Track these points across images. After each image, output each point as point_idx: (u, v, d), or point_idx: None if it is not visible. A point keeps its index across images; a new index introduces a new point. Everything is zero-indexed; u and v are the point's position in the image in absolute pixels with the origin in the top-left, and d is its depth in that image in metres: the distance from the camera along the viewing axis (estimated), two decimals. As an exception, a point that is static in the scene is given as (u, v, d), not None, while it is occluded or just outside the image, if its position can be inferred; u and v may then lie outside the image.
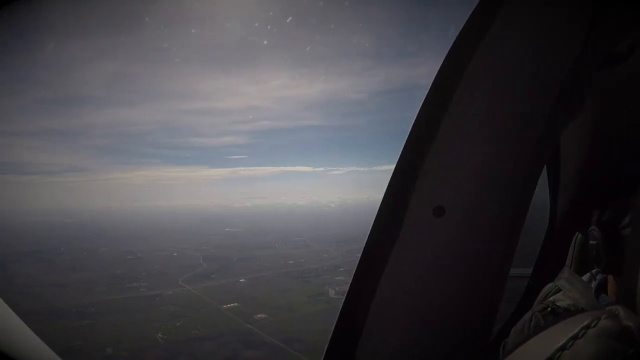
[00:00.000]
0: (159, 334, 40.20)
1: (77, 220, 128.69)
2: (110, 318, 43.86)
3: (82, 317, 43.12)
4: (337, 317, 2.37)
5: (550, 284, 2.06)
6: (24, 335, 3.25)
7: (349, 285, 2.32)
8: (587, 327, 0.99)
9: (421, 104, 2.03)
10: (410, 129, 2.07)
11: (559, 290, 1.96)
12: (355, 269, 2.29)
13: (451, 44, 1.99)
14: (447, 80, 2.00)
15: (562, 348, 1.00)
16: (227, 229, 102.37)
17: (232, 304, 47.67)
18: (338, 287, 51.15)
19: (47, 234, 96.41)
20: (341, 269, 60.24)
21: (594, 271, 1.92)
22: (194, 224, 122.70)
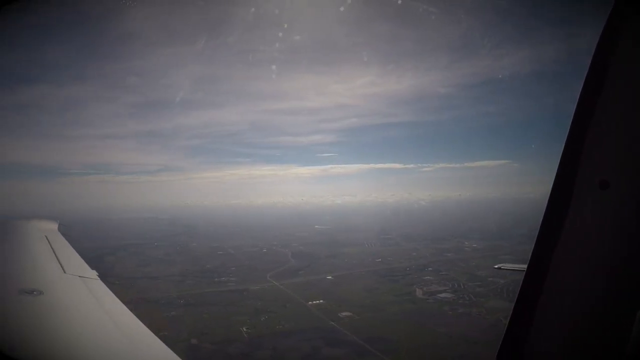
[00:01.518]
0: (244, 328, 41.74)
1: (170, 217, 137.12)
2: (197, 310, 46.13)
3: (170, 308, 45.87)
4: (511, 310, 2.70)
5: None
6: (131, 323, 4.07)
7: (523, 278, 2.63)
8: None
9: (584, 80, 2.22)
10: (576, 104, 2.25)
11: None
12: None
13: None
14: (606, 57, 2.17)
15: None
16: (316, 226, 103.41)
17: (317, 301, 48.45)
18: (425, 287, 50.53)
19: (142, 230, 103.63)
20: (429, 269, 59.54)
21: None
22: (285, 221, 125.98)
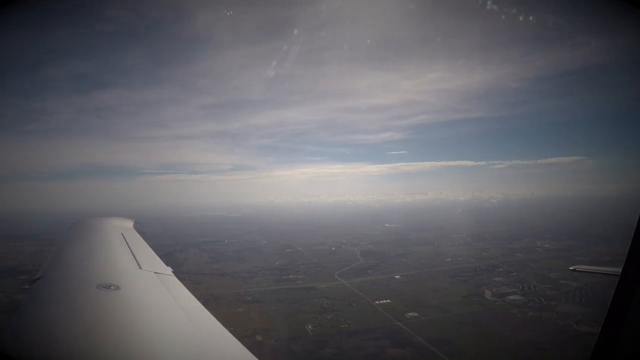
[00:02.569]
0: (309, 326, 41.93)
1: (241, 215, 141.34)
2: (263, 307, 46.79)
3: (237, 304, 46.70)
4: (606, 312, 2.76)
5: None
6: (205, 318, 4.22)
7: (618, 279, 2.67)
8: None
9: None
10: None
11: None
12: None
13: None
14: None
15: None
16: (386, 225, 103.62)
17: (384, 301, 47.92)
18: (494, 289, 49.30)
19: (213, 228, 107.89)
20: (500, 269, 58.01)
21: None
22: (354, 219, 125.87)
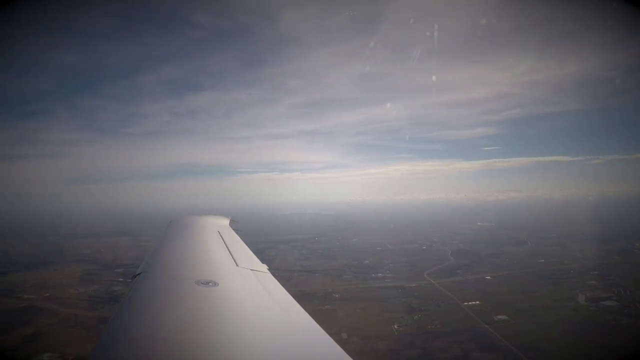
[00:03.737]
0: (395, 325, 41.61)
1: (333, 213, 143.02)
2: (351, 305, 47.17)
3: (325, 301, 47.33)
4: None
5: None
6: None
7: None
8: None
9: None
10: None
11: None
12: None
13: None
14: None
15: None
16: (479, 223, 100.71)
17: (473, 302, 46.75)
18: (589, 293, 46.56)
19: (305, 225, 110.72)
20: (595, 272, 54.54)
21: None
22: (447, 217, 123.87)
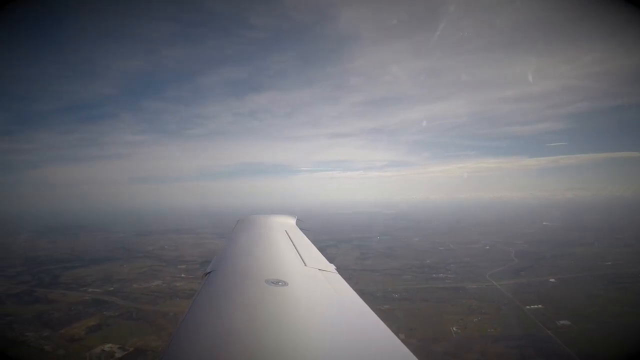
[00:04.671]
0: (454, 328, 40.99)
1: (396, 212, 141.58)
2: (410, 306, 46.87)
3: (384, 301, 47.05)
4: None
5: None
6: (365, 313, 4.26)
7: None
8: None
9: None
10: None
11: None
12: None
13: None
14: None
15: None
16: (544, 223, 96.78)
17: (536, 306, 45.16)
18: None
19: (367, 224, 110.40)
20: None
21: None
22: (510, 216, 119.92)
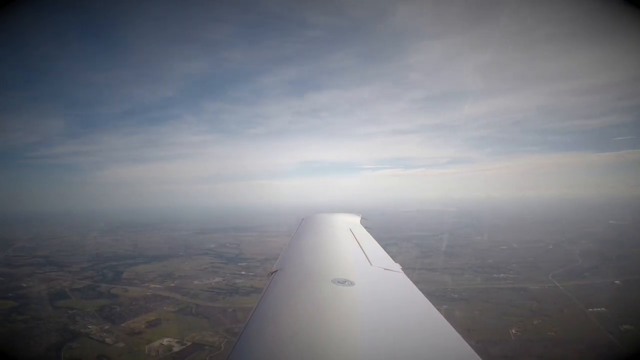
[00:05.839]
0: (513, 330, 40.15)
1: (457, 210, 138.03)
2: (469, 306, 46.36)
3: (443, 301, 46.64)
4: None
5: None
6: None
7: None
8: None
9: None
10: None
11: None
12: None
13: None
14: None
15: None
16: (610, 221, 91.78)
17: (599, 309, 43.52)
18: None
19: (428, 222, 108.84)
20: None
21: None
22: (575, 214, 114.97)
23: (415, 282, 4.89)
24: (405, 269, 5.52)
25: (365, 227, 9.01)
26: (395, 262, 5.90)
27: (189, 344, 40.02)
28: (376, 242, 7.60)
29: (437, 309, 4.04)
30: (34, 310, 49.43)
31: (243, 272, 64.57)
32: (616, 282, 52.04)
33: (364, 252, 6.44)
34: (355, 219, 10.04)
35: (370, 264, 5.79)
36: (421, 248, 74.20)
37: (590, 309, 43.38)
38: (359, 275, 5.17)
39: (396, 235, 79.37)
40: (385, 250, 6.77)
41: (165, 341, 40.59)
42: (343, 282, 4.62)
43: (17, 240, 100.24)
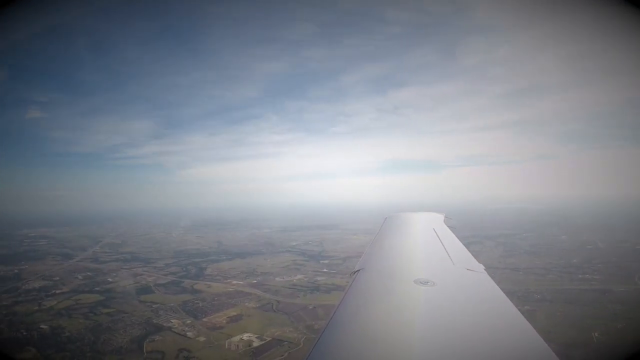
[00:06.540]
0: (595, 333, 39.49)
1: (543, 207, 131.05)
2: (551, 307, 45.93)
3: (525, 301, 46.44)
4: None
5: None
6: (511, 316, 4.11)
7: None
8: None
9: None
10: None
11: None
12: None
13: None
14: None
15: None
16: None
17: None
18: None
19: (512, 220, 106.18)
20: None
21: None
22: None
23: (498, 282, 4.88)
24: (488, 268, 5.51)
25: (448, 226, 8.97)
26: (479, 262, 5.95)
27: (268, 339, 40.91)
28: (459, 242, 7.53)
29: (519, 309, 4.05)
30: (119, 304, 51.92)
31: (325, 270, 65.54)
32: None
33: (446, 252, 6.48)
34: (439, 218, 10.03)
35: (453, 264, 5.85)
36: (505, 247, 73.59)
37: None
38: (441, 275, 5.24)
39: (479, 234, 78.81)
40: (468, 250, 6.82)
41: (245, 336, 41.66)
42: (425, 282, 4.63)
43: (105, 237, 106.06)
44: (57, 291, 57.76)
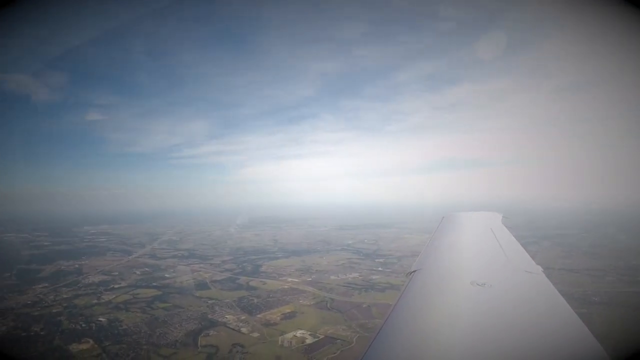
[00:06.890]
0: (657, 341, 39.02)
1: (601, 207, 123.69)
2: (609, 311, 44.82)
3: (581, 304, 45.50)
4: None
5: None
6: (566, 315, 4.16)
7: None
8: None
9: None
10: None
11: None
12: None
13: None
14: None
15: None
16: None
17: None
18: None
19: (572, 220, 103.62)
20: None
21: None
22: None
23: (554, 283, 4.84)
24: (545, 269, 5.48)
25: (506, 227, 8.94)
26: (536, 263, 5.89)
27: (321, 337, 41.36)
28: (517, 243, 7.47)
29: (576, 312, 4.03)
30: (176, 299, 53.37)
31: (380, 269, 65.82)
32: None
33: (504, 253, 6.46)
34: (497, 218, 10.01)
35: (511, 266, 5.81)
36: (562, 247, 72.18)
37: None
38: (499, 277, 5.23)
39: (537, 234, 76.96)
40: (525, 250, 6.76)
41: (298, 333, 42.08)
42: (482, 284, 4.62)
43: (163, 234, 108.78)
44: (116, 286, 60.45)
